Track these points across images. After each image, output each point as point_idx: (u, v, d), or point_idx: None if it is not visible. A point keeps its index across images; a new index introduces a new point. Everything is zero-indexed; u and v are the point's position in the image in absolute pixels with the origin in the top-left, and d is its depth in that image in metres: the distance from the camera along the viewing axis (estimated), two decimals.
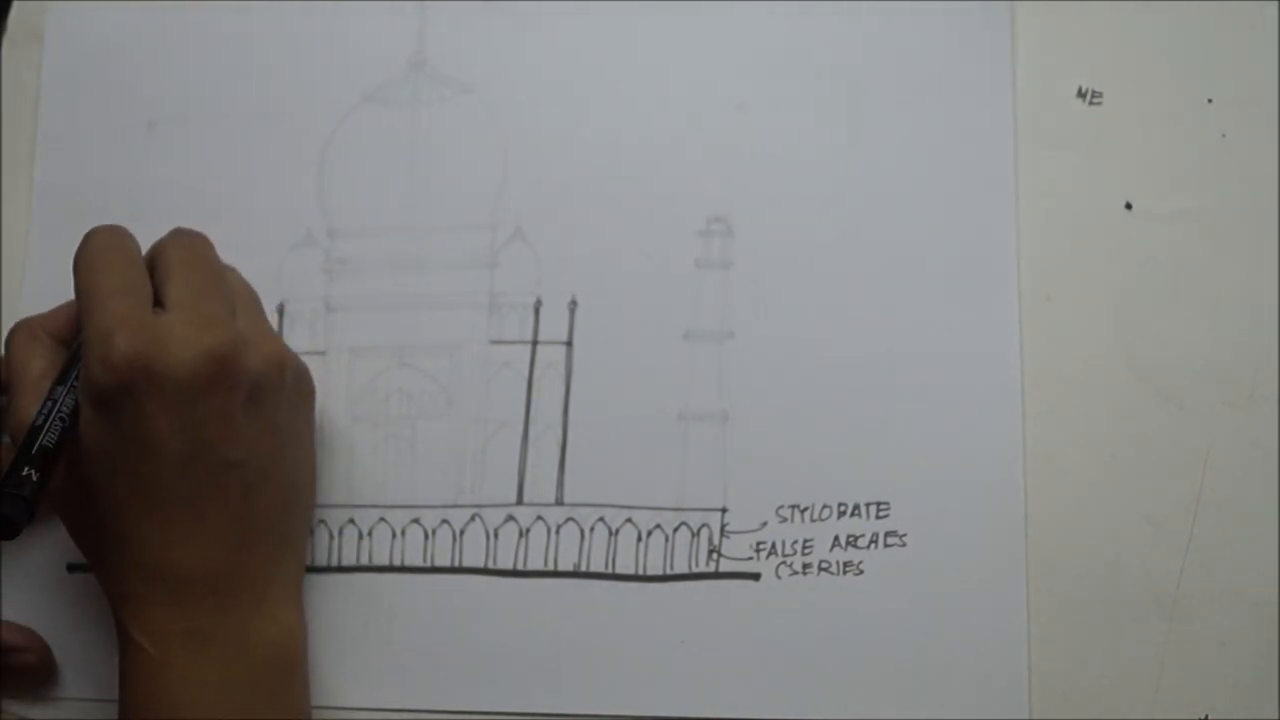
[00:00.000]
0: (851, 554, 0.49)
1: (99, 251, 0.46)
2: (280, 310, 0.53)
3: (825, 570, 0.49)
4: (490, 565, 0.51)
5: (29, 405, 0.45)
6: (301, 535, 0.49)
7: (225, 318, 0.46)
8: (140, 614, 0.45)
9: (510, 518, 0.51)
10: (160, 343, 0.44)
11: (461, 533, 0.51)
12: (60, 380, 0.46)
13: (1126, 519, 0.48)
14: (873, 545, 0.48)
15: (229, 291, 0.48)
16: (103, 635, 0.52)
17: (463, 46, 0.54)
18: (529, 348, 0.52)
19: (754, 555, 0.49)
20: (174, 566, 0.44)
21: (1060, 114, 0.50)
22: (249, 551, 0.46)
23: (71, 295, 0.50)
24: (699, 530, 0.50)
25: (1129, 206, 0.50)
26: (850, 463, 0.49)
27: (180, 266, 0.47)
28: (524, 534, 0.51)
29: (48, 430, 0.44)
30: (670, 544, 0.50)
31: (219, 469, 0.45)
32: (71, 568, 0.53)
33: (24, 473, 0.43)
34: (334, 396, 0.53)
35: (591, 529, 0.50)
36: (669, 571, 0.50)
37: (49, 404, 0.45)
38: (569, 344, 0.51)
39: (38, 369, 0.47)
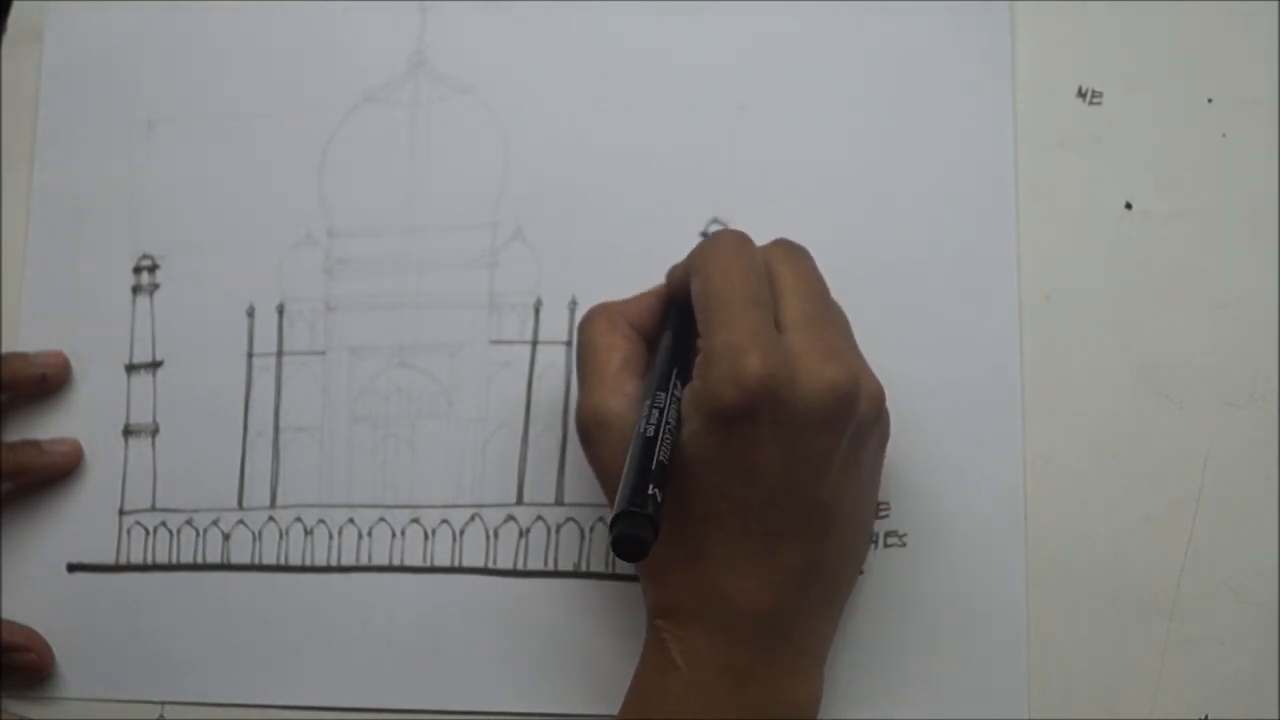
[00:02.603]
0: None
1: (731, 258, 0.44)
2: (280, 310, 0.53)
3: None
4: (490, 565, 0.51)
5: (606, 398, 0.44)
6: (848, 590, 0.46)
7: (844, 350, 0.43)
8: (683, 632, 0.43)
9: (510, 518, 0.51)
10: (789, 369, 0.41)
11: (461, 533, 0.51)
12: (659, 386, 0.43)
13: (1126, 519, 0.48)
14: (873, 545, 0.48)
15: (841, 316, 0.46)
16: (103, 635, 0.52)
17: (463, 46, 0.54)
18: (529, 348, 0.52)
19: None
20: (735, 596, 0.42)
21: (1060, 114, 0.50)
22: (806, 598, 0.43)
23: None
24: None
25: (1129, 206, 0.50)
26: None
27: (798, 284, 0.44)
28: (524, 534, 0.51)
29: (661, 445, 0.41)
30: None
31: (805, 507, 0.42)
32: (71, 568, 0.53)
33: (649, 491, 0.40)
34: (334, 396, 0.53)
35: (591, 529, 0.50)
36: None
37: (655, 413, 0.42)
38: (569, 344, 0.51)
39: (617, 361, 0.45)
